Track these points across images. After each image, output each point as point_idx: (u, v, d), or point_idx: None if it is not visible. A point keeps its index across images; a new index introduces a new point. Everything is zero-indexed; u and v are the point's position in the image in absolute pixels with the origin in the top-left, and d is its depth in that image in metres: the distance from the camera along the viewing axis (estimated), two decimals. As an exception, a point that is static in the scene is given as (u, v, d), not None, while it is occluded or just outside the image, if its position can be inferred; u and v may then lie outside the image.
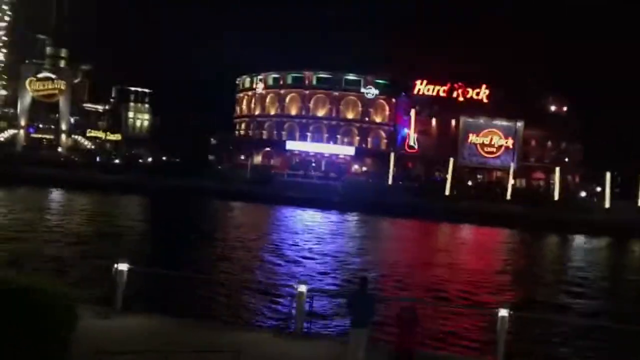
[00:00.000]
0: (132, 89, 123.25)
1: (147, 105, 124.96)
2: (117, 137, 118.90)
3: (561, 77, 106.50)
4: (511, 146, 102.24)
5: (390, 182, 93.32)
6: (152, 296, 19.48)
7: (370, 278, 13.05)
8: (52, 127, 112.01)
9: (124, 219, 52.38)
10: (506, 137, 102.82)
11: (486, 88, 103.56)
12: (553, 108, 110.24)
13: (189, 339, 13.13)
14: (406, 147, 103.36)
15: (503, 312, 13.71)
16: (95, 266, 20.87)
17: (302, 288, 14.82)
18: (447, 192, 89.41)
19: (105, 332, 12.99)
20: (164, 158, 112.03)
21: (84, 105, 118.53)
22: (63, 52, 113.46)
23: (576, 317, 25.12)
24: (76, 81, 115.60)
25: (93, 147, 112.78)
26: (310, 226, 57.55)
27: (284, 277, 28.30)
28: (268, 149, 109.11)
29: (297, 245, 42.01)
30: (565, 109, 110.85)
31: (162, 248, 36.79)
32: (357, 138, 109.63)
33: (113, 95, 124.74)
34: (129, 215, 56.22)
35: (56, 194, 72.44)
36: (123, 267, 15.15)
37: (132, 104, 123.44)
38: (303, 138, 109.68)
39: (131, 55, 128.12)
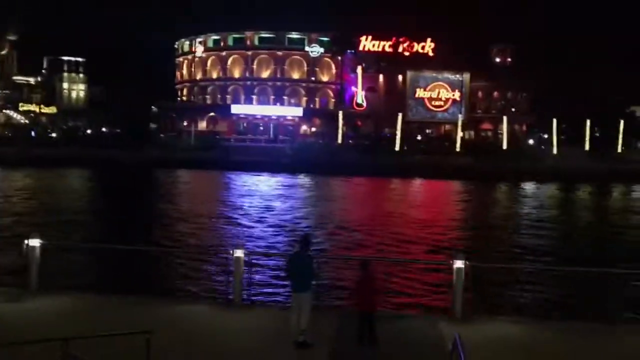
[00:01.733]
0: (65, 58, 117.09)
1: (82, 75, 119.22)
2: (52, 109, 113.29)
3: (504, 27, 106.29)
4: (458, 99, 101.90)
5: (339, 141, 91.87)
6: (75, 273, 17.45)
7: (311, 237, 11.21)
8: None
9: (66, 194, 49.28)
10: (453, 90, 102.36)
11: (431, 41, 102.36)
12: (498, 59, 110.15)
13: (108, 319, 11.35)
14: (354, 105, 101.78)
15: (458, 264, 12.39)
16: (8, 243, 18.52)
17: (239, 253, 13.07)
18: (397, 148, 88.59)
19: (12, 317, 11.52)
20: (103, 129, 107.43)
21: (14, 78, 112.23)
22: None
23: (531, 263, 24.19)
24: (3, 52, 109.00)
25: (27, 121, 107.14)
26: (256, 189, 55.72)
27: (227, 244, 26.39)
28: (212, 114, 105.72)
29: (241, 210, 40.15)
30: (509, 59, 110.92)
31: (102, 223, 34.42)
32: (305, 98, 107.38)
33: (45, 66, 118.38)
34: (70, 191, 53.03)
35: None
36: (35, 242, 13.14)
37: (65, 74, 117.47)
38: (248, 101, 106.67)
39: (61, 23, 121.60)
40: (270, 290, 17.39)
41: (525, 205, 50.26)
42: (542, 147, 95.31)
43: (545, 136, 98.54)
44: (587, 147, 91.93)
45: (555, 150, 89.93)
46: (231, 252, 13.09)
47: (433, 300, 17.63)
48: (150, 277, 17.89)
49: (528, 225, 37.23)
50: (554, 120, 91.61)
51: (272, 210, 40.26)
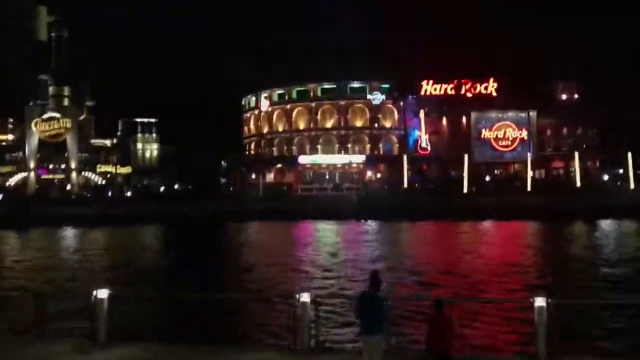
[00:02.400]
0: (139, 120, 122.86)
1: (154, 135, 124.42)
2: (127, 169, 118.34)
3: (568, 62, 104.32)
4: (526, 137, 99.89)
5: (405, 185, 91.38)
6: (143, 323, 17.81)
7: (380, 275, 11.08)
8: (62, 166, 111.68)
9: (145, 250, 50.93)
10: (520, 129, 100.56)
11: (494, 81, 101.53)
12: (564, 96, 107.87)
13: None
14: (418, 149, 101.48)
15: (540, 302, 11.88)
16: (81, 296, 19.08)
17: (305, 297, 13.08)
18: (465, 190, 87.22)
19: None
20: (176, 186, 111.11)
21: (92, 141, 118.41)
22: (66, 91, 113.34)
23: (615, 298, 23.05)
24: (81, 118, 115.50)
25: (104, 182, 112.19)
26: (324, 238, 55.85)
27: (295, 290, 26.45)
28: (279, 165, 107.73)
29: (310, 258, 40.28)
30: (575, 95, 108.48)
31: (172, 275, 35.26)
32: (369, 145, 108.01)
33: (120, 128, 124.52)
34: (143, 246, 54.81)
35: (70, 232, 71.38)
36: (103, 294, 13.57)
37: (139, 135, 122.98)
38: (314, 151, 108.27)
39: (133, 86, 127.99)
40: (339, 334, 17.25)
41: (603, 242, 48.15)
42: (618, 183, 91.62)
43: (620, 171, 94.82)
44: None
45: (632, 186, 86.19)
46: (297, 296, 13.11)
47: (515, 341, 17.04)
48: (218, 325, 18.11)
49: (608, 261, 35.60)
50: (629, 155, 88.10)
51: (341, 257, 40.19)
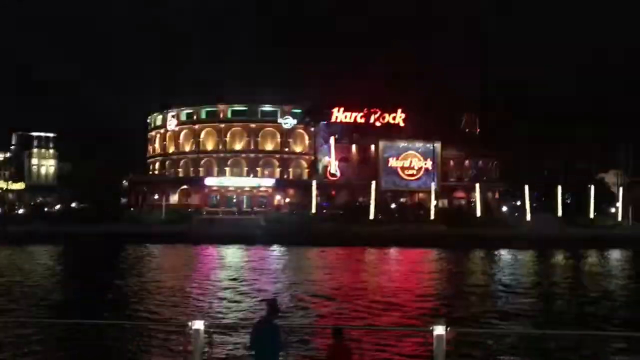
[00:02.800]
0: (35, 134, 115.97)
1: (52, 151, 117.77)
2: (20, 185, 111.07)
3: (472, 96, 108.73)
4: (430, 167, 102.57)
5: (313, 211, 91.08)
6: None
7: (277, 302, 9.96)
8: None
9: (36, 271, 46.94)
10: (425, 159, 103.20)
11: (402, 112, 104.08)
12: (467, 129, 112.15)
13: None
14: (328, 175, 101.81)
15: (439, 330, 11.16)
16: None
17: (198, 325, 11.60)
18: (371, 217, 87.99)
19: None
20: (73, 205, 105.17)
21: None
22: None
23: (515, 327, 23.05)
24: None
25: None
26: (227, 262, 54.09)
27: (191, 316, 24.80)
28: (185, 187, 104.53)
29: (209, 282, 38.53)
30: (477, 129, 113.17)
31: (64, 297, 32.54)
32: (278, 169, 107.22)
33: (13, 141, 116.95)
34: (39, 267, 50.62)
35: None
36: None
37: (35, 150, 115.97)
38: (222, 173, 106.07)
39: (31, 99, 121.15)
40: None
41: (501, 271, 49.37)
42: (516, 214, 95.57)
43: (518, 203, 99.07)
44: (559, 213, 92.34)
45: (528, 217, 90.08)
46: (189, 324, 11.54)
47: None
48: (103, 354, 16.32)
49: (506, 291, 36.22)
50: (526, 188, 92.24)
51: (242, 282, 38.69)
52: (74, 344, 16.33)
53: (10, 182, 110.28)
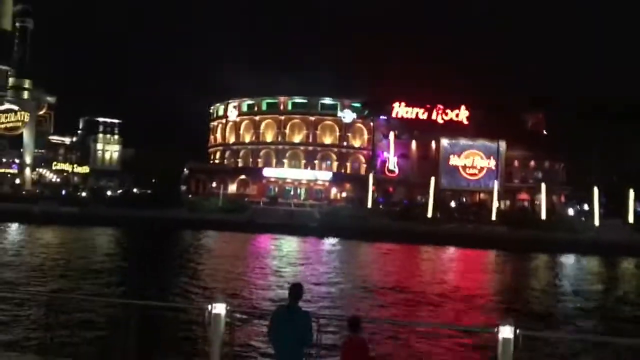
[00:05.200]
0: (101, 119, 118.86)
1: (116, 137, 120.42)
2: (84, 169, 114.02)
3: (539, 95, 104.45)
4: (493, 167, 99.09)
5: (369, 205, 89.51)
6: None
7: (303, 287, 8.57)
8: (17, 161, 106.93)
9: (89, 252, 47.53)
10: (488, 158, 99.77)
11: (466, 109, 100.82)
12: (535, 127, 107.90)
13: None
14: (386, 171, 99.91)
15: (506, 332, 9.40)
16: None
17: (220, 308, 10.44)
18: (429, 215, 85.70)
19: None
20: (135, 190, 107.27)
21: (50, 137, 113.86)
22: (26, 83, 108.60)
23: (581, 334, 21.13)
24: (41, 113, 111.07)
25: (59, 180, 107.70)
26: (280, 251, 53.39)
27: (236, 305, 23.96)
28: (243, 177, 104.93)
29: (258, 270, 37.80)
30: (544, 130, 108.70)
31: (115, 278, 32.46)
32: (336, 163, 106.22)
33: (80, 126, 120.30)
34: (92, 248, 51.32)
35: (15, 229, 67.43)
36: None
37: (100, 135, 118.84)
38: (280, 165, 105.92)
39: (99, 86, 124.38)
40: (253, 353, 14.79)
41: (565, 277, 46.70)
42: (583, 218, 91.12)
43: (586, 207, 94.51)
44: (630, 219, 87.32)
45: (597, 222, 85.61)
46: (209, 307, 10.25)
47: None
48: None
49: (568, 297, 33.95)
50: (595, 191, 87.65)
51: (291, 271, 37.78)
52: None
53: (75, 166, 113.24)
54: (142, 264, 40.07)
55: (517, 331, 9.22)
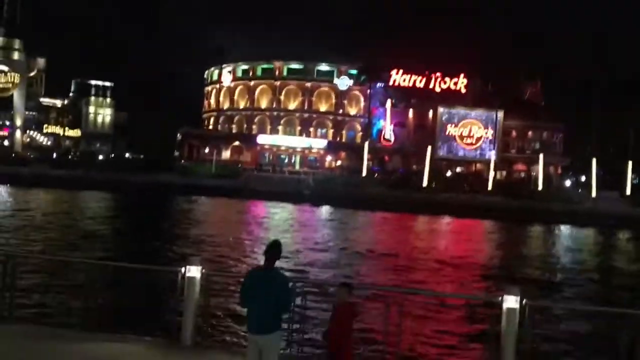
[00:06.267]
0: (93, 82, 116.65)
1: (109, 100, 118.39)
2: (76, 132, 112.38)
3: (539, 66, 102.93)
4: (491, 137, 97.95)
5: (364, 174, 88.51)
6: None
7: (281, 246, 7.21)
8: (7, 123, 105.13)
9: (77, 214, 46.39)
10: (485, 128, 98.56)
11: (464, 77, 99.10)
12: (533, 97, 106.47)
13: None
14: (382, 139, 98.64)
15: (510, 301, 8.42)
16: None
17: (194, 271, 9.44)
18: (424, 184, 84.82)
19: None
20: (127, 154, 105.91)
21: (41, 100, 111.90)
22: (16, 44, 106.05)
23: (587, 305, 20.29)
24: (31, 74, 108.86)
25: (50, 143, 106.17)
26: (272, 217, 52.52)
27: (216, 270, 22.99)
28: (237, 143, 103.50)
29: (248, 234, 36.88)
30: (542, 101, 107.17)
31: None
32: (331, 131, 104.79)
33: (72, 89, 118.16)
34: (78, 211, 50.17)
35: (2, 190, 66.43)
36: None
37: (92, 98, 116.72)
38: (274, 132, 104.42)
39: (91, 48, 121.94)
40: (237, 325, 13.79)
41: (561, 247, 45.99)
42: (579, 190, 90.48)
43: (583, 178, 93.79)
44: (628, 191, 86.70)
45: (594, 194, 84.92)
46: (182, 270, 9.42)
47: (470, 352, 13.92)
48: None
49: (565, 267, 33.16)
50: (594, 162, 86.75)
51: (281, 236, 36.86)
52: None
53: (67, 129, 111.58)
54: (128, 228, 39.08)
55: (524, 301, 8.38)
